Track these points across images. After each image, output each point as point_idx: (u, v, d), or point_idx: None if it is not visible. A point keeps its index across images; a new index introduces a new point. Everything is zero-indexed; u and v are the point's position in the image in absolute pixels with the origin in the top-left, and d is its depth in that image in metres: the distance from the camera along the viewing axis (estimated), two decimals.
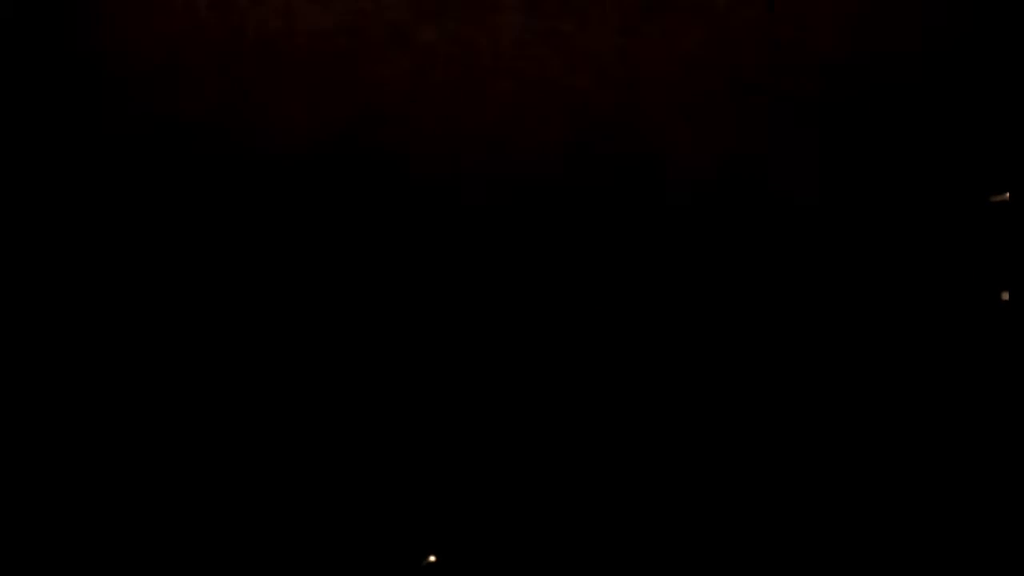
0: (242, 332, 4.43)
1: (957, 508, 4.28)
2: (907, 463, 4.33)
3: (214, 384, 4.41)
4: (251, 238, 4.44)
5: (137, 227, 4.43)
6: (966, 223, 4.38)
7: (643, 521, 4.37)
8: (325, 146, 4.40)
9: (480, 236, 4.45)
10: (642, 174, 4.26)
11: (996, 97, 4.38)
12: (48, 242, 4.41)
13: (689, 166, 4.34)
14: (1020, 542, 4.23)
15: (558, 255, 4.41)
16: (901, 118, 4.42)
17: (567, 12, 4.32)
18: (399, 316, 4.45)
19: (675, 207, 4.36)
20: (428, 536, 4.34)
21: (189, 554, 4.32)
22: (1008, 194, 4.35)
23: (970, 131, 4.40)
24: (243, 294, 4.44)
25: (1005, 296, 4.33)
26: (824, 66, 4.41)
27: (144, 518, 4.34)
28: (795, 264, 4.43)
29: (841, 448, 4.36)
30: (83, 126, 4.41)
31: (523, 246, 4.41)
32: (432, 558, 4.32)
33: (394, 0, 4.23)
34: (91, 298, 4.41)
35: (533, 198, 4.36)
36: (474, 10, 4.30)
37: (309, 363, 4.43)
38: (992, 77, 4.38)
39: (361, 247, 4.47)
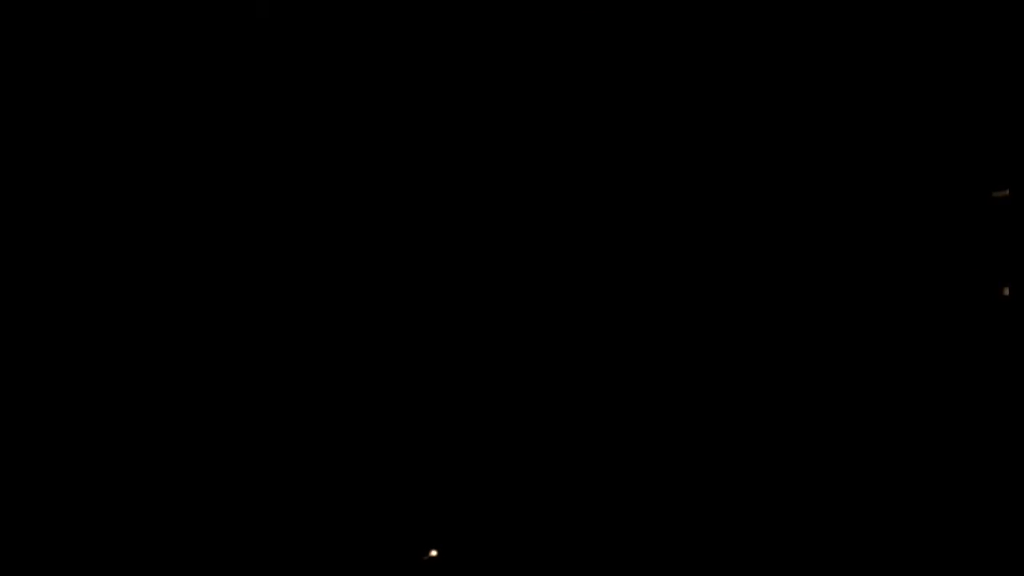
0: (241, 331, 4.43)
1: (957, 507, 4.28)
2: (908, 459, 4.33)
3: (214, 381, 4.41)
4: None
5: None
6: (968, 220, 4.38)
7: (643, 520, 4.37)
8: None
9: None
10: None
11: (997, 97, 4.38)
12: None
13: None
14: (1020, 542, 4.22)
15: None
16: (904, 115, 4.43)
17: None
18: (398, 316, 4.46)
19: None
20: (429, 534, 4.34)
21: (189, 554, 4.32)
22: (1008, 191, 4.35)
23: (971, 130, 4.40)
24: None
25: (1006, 292, 4.33)
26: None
27: (144, 518, 4.34)
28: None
29: (841, 445, 4.36)
30: None
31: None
32: (433, 552, 4.32)
33: None
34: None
35: None
36: None
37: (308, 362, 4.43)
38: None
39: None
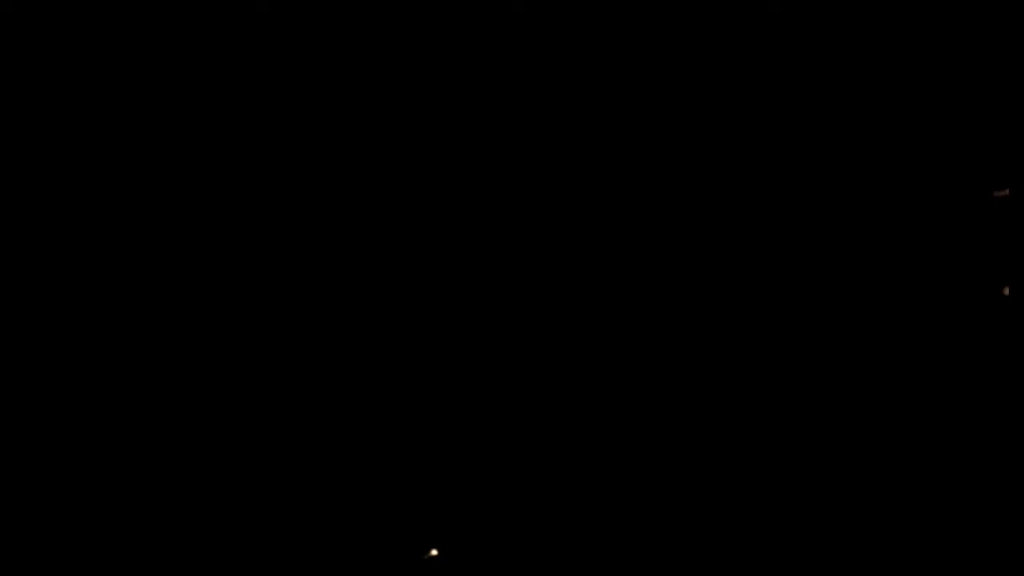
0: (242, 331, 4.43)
1: (957, 506, 4.28)
2: (908, 460, 4.33)
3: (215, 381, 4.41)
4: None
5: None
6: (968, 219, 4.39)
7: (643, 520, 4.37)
8: None
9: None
10: None
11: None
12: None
13: None
14: (1020, 542, 4.22)
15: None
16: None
17: None
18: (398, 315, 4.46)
19: None
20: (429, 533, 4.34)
21: (189, 554, 4.31)
22: (1008, 190, 4.36)
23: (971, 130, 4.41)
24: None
25: (1006, 292, 4.34)
26: None
27: (144, 518, 4.33)
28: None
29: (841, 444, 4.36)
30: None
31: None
32: (434, 552, 4.32)
33: None
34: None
35: None
36: None
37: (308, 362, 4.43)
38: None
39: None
